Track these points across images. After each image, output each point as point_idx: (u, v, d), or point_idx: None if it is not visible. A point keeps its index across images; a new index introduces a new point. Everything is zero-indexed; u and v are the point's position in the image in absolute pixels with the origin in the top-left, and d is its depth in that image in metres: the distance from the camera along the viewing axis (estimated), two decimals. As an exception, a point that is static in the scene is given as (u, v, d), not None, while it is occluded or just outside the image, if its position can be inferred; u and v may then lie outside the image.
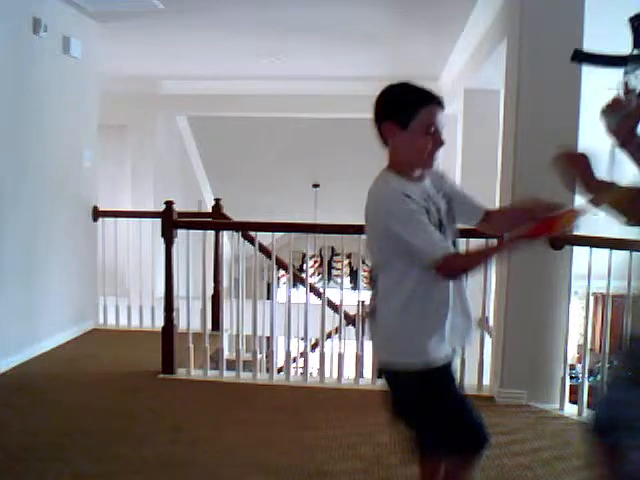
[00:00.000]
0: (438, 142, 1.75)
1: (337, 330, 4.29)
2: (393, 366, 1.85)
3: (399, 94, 1.78)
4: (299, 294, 4.64)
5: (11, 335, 4.01)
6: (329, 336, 3.96)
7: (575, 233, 2.98)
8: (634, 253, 3.18)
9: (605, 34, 3.06)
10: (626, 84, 1.52)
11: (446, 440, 1.87)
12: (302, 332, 3.95)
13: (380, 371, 1.98)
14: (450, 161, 6.93)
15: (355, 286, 7.52)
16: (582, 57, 1.63)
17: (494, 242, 1.95)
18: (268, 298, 4.76)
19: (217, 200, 5.46)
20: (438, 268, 1.70)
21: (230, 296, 4.28)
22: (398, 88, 1.79)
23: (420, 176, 1.83)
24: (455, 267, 1.75)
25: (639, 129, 1.46)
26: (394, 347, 1.85)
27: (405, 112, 1.73)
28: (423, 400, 1.83)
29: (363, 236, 3.63)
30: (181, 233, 3.89)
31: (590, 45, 3.20)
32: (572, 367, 6.10)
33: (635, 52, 1.47)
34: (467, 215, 1.95)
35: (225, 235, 4.52)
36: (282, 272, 5.48)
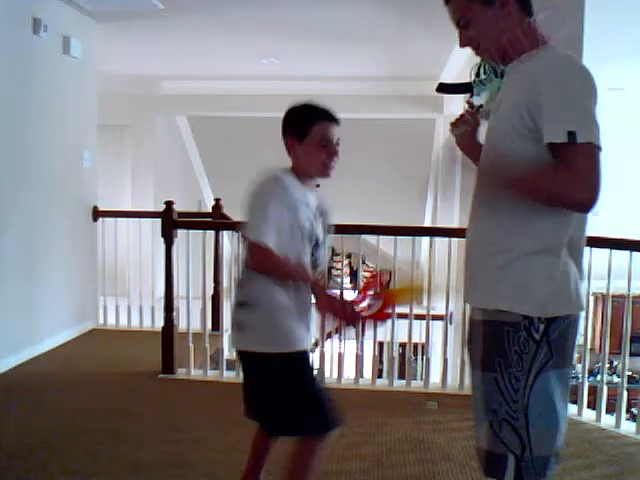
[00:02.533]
0: (332, 153, 1.98)
1: (337, 330, 4.29)
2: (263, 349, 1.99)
3: (298, 112, 2.01)
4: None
5: (11, 335, 4.01)
6: (329, 336, 3.96)
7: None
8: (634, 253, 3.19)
9: (604, 34, 3.07)
10: (469, 103, 1.79)
11: (301, 421, 2.03)
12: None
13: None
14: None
15: (355, 286, 7.52)
16: (444, 89, 1.95)
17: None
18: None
19: (217, 200, 5.46)
20: (253, 253, 1.93)
21: (230, 296, 4.27)
22: (298, 107, 2.01)
23: (313, 188, 2.04)
24: (264, 261, 1.94)
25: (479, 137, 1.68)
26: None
27: (302, 127, 1.97)
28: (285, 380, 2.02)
29: (363, 236, 3.67)
30: (181, 233, 3.89)
31: (590, 45, 3.22)
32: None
33: (476, 79, 1.72)
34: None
35: (225, 235, 4.51)
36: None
